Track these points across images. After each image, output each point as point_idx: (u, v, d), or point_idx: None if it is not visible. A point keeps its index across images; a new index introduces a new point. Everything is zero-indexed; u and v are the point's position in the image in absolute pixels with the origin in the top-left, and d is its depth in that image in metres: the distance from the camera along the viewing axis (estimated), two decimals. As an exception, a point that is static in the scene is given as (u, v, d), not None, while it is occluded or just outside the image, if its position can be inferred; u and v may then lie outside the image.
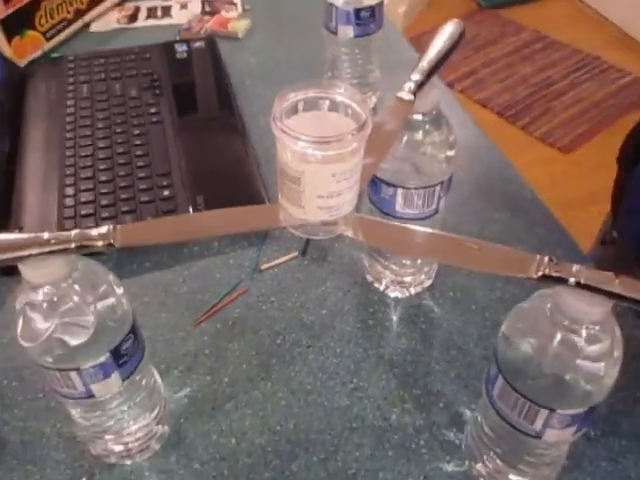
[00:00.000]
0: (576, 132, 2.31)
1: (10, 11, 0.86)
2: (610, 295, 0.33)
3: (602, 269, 0.63)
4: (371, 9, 0.72)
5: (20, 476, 0.48)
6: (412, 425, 0.51)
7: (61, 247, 0.36)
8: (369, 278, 0.62)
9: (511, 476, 0.45)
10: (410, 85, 0.46)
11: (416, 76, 0.47)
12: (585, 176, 2.08)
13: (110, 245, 0.36)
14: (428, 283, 0.61)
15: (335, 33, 0.75)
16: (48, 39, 0.93)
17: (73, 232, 0.36)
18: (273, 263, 0.63)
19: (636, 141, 0.68)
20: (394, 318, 0.59)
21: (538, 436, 0.39)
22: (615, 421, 0.50)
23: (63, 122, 0.77)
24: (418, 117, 0.48)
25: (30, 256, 0.35)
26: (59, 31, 0.95)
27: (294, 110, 0.35)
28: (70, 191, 0.68)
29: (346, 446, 0.49)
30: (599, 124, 2.33)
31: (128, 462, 0.49)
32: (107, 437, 0.47)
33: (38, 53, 0.92)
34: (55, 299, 0.38)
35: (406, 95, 0.46)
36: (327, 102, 0.35)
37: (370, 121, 0.34)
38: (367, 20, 0.73)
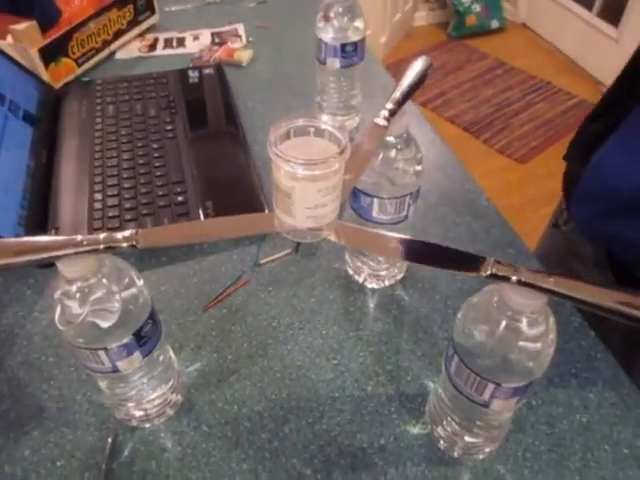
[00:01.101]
0: (530, 145, 2.32)
1: (47, 41, 0.86)
2: (545, 291, 0.34)
3: (551, 252, 0.62)
4: (354, 44, 0.73)
5: (56, 436, 0.49)
6: (385, 395, 0.52)
7: (91, 248, 0.36)
8: (350, 272, 0.62)
9: (466, 437, 0.46)
10: (385, 113, 0.47)
11: (390, 105, 0.48)
12: (538, 183, 2.10)
13: (133, 246, 0.37)
14: (400, 276, 0.62)
15: (324, 64, 0.75)
16: (79, 65, 0.93)
17: (102, 235, 0.36)
18: (270, 258, 0.64)
19: (584, 139, 0.67)
20: (371, 305, 0.60)
21: (486, 405, 0.40)
22: (553, 392, 0.51)
23: (92, 137, 0.78)
24: (391, 139, 0.49)
25: (65, 256, 0.36)
26: (89, 58, 0.95)
27: (287, 136, 0.36)
28: (98, 196, 0.68)
29: (330, 412, 0.50)
30: (550, 139, 2.35)
31: (147, 425, 0.50)
32: (129, 404, 0.48)
33: (71, 77, 0.92)
34: (87, 290, 0.39)
35: (381, 121, 0.47)
36: (313, 129, 0.36)
37: (349, 145, 0.35)
38: (351, 53, 0.74)
